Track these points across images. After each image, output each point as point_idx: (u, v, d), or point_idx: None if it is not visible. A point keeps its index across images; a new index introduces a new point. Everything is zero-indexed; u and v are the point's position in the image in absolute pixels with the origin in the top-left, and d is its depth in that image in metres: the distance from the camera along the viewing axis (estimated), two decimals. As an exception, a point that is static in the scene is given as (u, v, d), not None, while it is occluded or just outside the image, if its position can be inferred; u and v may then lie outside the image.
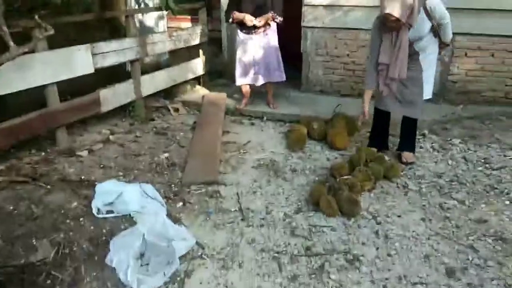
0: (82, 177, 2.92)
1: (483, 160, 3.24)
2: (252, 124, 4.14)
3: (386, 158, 3.18)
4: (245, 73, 4.14)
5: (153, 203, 2.55)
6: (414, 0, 2.65)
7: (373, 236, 2.40)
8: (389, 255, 2.24)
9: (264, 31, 3.96)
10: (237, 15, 3.89)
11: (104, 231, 2.36)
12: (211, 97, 4.55)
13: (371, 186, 2.86)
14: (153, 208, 2.48)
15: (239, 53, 4.10)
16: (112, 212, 2.49)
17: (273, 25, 4.00)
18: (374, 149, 3.22)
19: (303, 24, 4.60)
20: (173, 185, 2.91)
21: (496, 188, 2.85)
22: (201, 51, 4.90)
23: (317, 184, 2.82)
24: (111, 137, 3.63)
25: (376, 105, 3.23)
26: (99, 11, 4.29)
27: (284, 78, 4.14)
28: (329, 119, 3.75)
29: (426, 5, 2.77)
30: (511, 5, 3.82)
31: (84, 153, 3.30)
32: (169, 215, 2.51)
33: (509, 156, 3.29)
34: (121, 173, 3.01)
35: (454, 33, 3.64)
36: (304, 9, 4.54)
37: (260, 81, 4.12)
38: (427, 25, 2.83)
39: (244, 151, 3.50)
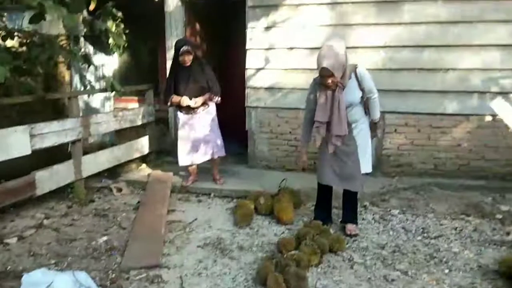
0: (8, 268, 2.66)
1: (421, 230, 3.38)
2: (199, 201, 4.09)
3: (331, 231, 3.23)
4: (187, 153, 4.19)
5: (87, 293, 2.34)
6: (346, 61, 2.94)
7: (321, 314, 2.33)
8: (338, 334, 2.17)
9: (203, 110, 4.10)
10: (174, 98, 4.04)
11: (27, 329, 2.10)
12: (157, 175, 4.49)
13: (318, 261, 2.84)
14: (87, 299, 2.28)
15: (180, 134, 4.19)
16: (38, 306, 2.24)
17: (212, 104, 4.16)
18: (320, 222, 3.26)
19: (247, 104, 4.85)
20: (110, 271, 2.70)
21: (436, 257, 2.94)
22: (147, 131, 4.94)
23: (264, 261, 2.76)
24: (45, 221, 3.40)
25: (318, 180, 3.35)
26: (42, 92, 4.27)
27: (224, 154, 4.29)
28: (275, 194, 3.80)
29: (356, 72, 3.06)
30: (430, 87, 4.31)
31: (13, 240, 3.04)
32: (104, 305, 2.31)
33: (445, 224, 3.48)
34: (53, 261, 2.78)
35: (384, 111, 4.03)
36: (247, 91, 4.82)
37: (202, 159, 4.20)
38: (358, 93, 3.08)
39: (190, 230, 3.40)
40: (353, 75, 3.06)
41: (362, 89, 3.08)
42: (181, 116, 4.15)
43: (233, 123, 4.90)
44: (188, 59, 3.92)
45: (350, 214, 3.37)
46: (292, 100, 4.68)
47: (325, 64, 2.88)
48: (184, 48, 3.88)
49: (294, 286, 2.51)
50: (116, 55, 5.29)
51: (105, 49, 4.88)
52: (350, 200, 3.34)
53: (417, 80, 4.34)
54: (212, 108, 4.17)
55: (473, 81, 4.22)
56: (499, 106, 4.22)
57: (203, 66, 4.07)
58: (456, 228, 3.41)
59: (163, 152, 5.29)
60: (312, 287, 2.58)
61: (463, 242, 3.17)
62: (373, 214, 3.69)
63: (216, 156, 4.24)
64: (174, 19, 4.97)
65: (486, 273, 2.72)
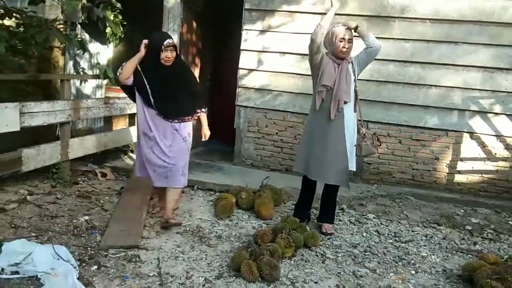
0: (-12, 237, 2.70)
1: (393, 234, 3.52)
2: (182, 192, 4.12)
3: (308, 228, 3.34)
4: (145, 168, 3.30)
5: (64, 265, 2.40)
6: None
7: (290, 301, 2.43)
8: (304, 319, 2.27)
9: (179, 121, 3.21)
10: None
11: (4, 293, 2.16)
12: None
13: (291, 253, 2.95)
14: (64, 271, 2.33)
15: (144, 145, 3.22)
16: (17, 273, 2.29)
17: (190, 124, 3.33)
18: (297, 219, 3.36)
19: (237, 103, 4.97)
20: (89, 248, 2.77)
21: (404, 259, 3.07)
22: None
23: (239, 250, 2.85)
24: (28, 197, 3.44)
25: (298, 169, 3.40)
26: (34, 72, 4.32)
27: (185, 184, 3.36)
28: (257, 190, 3.91)
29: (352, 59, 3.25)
30: (413, 100, 4.49)
31: (-5, 212, 3.08)
32: (81, 278, 2.37)
33: (416, 231, 3.62)
34: (33, 234, 2.83)
35: (366, 121, 4.19)
36: (238, 90, 4.94)
37: (157, 184, 3.30)
38: (352, 76, 3.20)
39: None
40: (356, 57, 3.27)
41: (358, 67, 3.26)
42: (156, 120, 3.18)
43: (221, 122, 5.02)
44: (173, 56, 3.07)
45: (328, 214, 3.48)
46: (281, 103, 4.82)
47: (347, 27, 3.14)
48: (170, 41, 3.03)
49: (266, 274, 2.61)
50: (111, 45, 5.37)
51: (101, 38, 4.98)
52: (330, 200, 3.45)
53: (401, 94, 4.52)
54: (189, 126, 3.32)
55: (453, 98, 4.42)
56: (477, 124, 4.41)
57: (187, 69, 3.35)
58: (427, 235, 3.55)
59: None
60: (284, 277, 2.67)
61: (432, 248, 3.31)
62: (350, 217, 3.81)
63: (174, 186, 3.26)
64: (172, 14, 5.08)
65: (450, 276, 2.86)
